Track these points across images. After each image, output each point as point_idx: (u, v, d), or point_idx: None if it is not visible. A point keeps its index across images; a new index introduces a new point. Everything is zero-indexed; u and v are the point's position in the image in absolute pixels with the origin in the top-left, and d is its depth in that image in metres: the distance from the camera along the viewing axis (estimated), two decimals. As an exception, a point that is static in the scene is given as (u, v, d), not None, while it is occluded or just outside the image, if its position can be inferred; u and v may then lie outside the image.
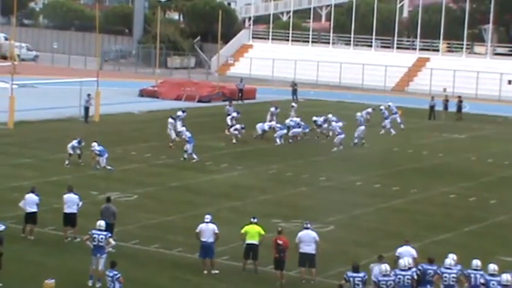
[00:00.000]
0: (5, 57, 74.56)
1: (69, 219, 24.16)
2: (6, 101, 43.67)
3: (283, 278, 21.52)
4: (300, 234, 21.95)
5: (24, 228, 24.28)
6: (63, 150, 37.36)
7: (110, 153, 34.73)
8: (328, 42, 79.94)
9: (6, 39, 79.24)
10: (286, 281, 21.59)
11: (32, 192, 24.55)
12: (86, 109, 46.27)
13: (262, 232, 22.35)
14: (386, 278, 18.67)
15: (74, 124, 45.66)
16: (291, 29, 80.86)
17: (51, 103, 51.47)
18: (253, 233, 22.23)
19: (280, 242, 21.66)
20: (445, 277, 18.93)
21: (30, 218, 24.21)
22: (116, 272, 18.58)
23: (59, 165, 34.36)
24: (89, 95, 46.35)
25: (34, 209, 24.24)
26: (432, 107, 54.00)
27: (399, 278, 18.75)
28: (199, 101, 58.56)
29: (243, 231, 22.42)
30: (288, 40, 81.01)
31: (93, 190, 29.77)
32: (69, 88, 52.37)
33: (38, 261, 22.16)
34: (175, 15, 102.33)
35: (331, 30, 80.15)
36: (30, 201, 24.27)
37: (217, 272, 22.09)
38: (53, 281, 18.61)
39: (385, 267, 18.86)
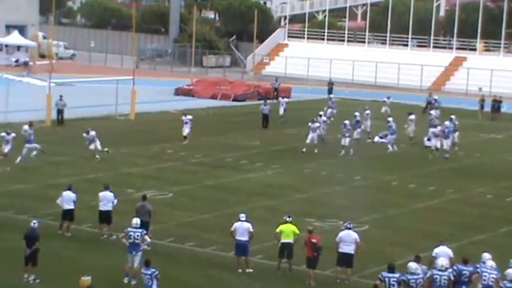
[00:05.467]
0: (43, 56, 75.40)
1: (105, 217, 24.34)
2: (43, 100, 44.10)
3: (313, 277, 21.49)
4: (341, 234, 21.90)
5: (61, 225, 24.52)
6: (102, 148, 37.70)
7: (146, 151, 34.93)
8: (364, 42, 79.62)
9: (44, 38, 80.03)
10: (321, 281, 21.57)
11: (69, 189, 24.77)
12: (59, 111, 44.03)
13: (297, 231, 22.33)
14: (415, 276, 18.61)
15: (110, 122, 46.00)
16: (326, 28, 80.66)
17: (88, 101, 51.89)
18: (288, 232, 22.23)
19: (314, 240, 21.66)
20: (485, 277, 18.79)
21: (67, 215, 24.45)
22: (153, 270, 18.68)
23: (96, 163, 34.64)
24: (61, 96, 44.34)
25: (71, 206, 24.46)
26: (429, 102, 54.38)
27: (436, 278, 18.66)
28: (234, 100, 58.67)
29: (277, 230, 22.42)
30: (323, 39, 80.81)
31: (129, 188, 29.96)
32: (105, 86, 52.77)
33: (74, 258, 22.36)
34: (211, 14, 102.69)
35: (367, 29, 79.79)
36: (67, 199, 24.50)
37: (251, 270, 22.13)
38: (89, 277, 18.74)
39: (415, 265, 18.81)
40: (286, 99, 50.77)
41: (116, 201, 24.60)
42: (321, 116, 42.60)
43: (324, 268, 22.06)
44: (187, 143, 39.51)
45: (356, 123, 42.39)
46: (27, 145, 34.04)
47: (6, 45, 74.16)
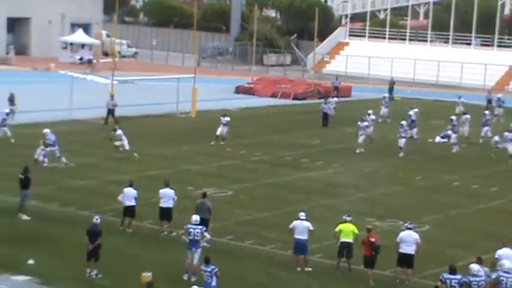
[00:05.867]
0: (106, 54, 76.40)
1: (166, 214, 24.53)
2: (106, 97, 44.66)
3: (372, 276, 21.36)
4: (401, 234, 21.72)
5: (122, 221, 24.81)
6: (161, 145, 38.09)
7: (206, 149, 35.17)
8: (426, 40, 78.76)
9: (108, 36, 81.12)
10: (380, 280, 21.43)
11: (130, 186, 25.03)
12: (110, 111, 43.51)
13: (357, 231, 22.21)
14: (477, 279, 18.33)
15: (171, 120, 46.40)
16: (388, 26, 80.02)
17: (149, 99, 52.43)
18: (347, 231, 22.13)
19: (373, 239, 21.53)
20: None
21: (129, 211, 24.71)
22: (213, 267, 18.74)
23: (157, 160, 34.96)
24: (112, 96, 44.09)
25: (132, 203, 24.71)
26: None
27: (502, 280, 18.36)
28: (294, 98, 58.64)
29: (337, 229, 22.34)
30: (384, 38, 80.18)
31: (189, 185, 30.16)
32: (167, 84, 53.24)
33: (135, 254, 22.60)
34: (272, 13, 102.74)
35: (429, 28, 78.92)
36: (128, 195, 24.75)
37: (310, 269, 22.08)
38: (149, 273, 18.94)
39: (477, 267, 18.53)
40: (335, 99, 50.20)
41: (175, 198, 24.76)
42: (369, 114, 42.20)
43: (383, 268, 21.91)
44: (222, 144, 38.58)
45: (411, 122, 41.97)
46: (50, 148, 32.66)
47: (71, 44, 75.36)
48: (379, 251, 21.44)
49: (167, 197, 24.58)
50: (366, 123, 39.77)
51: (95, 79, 52.34)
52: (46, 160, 32.23)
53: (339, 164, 36.15)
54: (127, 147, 35.81)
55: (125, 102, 46.86)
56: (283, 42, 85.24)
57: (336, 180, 33.16)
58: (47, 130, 33.26)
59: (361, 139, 39.09)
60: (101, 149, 36.31)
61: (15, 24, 76.82)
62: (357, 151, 38.64)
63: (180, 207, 25.00)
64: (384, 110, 48.99)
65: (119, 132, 36.17)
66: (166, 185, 24.88)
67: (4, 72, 64.76)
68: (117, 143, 35.91)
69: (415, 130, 41.98)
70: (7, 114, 37.99)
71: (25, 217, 25.25)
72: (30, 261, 21.28)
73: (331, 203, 29.41)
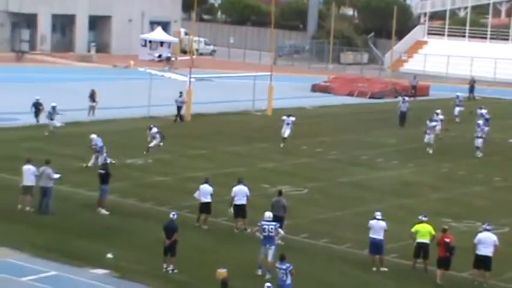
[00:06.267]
0: (184, 52, 77.17)
1: (240, 211, 24.68)
2: (184, 94, 45.08)
3: (441, 276, 21.08)
4: (479, 235, 21.43)
5: (198, 217, 25.05)
6: (237, 143, 38.31)
7: (277, 146, 35.25)
8: (507, 39, 77.21)
9: (186, 34, 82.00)
10: (458, 282, 21.15)
11: (206, 182, 25.26)
12: (179, 108, 43.69)
13: (433, 232, 21.97)
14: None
15: (247, 117, 46.62)
16: (468, 25, 78.75)
17: (226, 96, 52.79)
18: (424, 232, 21.91)
19: (448, 240, 21.26)
20: None
21: (205, 208, 24.94)
22: (288, 265, 18.78)
23: (234, 157, 35.18)
24: (181, 93, 43.89)
25: (208, 199, 24.94)
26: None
27: None
28: (371, 97, 58.24)
29: (413, 229, 22.15)
30: (464, 36, 78.93)
31: (264, 183, 30.27)
32: (243, 82, 53.51)
33: (210, 250, 22.81)
34: (349, 11, 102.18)
35: (511, 26, 77.30)
36: (204, 192, 24.99)
37: (386, 269, 21.94)
38: (225, 270, 19.09)
39: None
40: (406, 98, 49.18)
41: (249, 195, 24.83)
42: (437, 114, 41.49)
43: (460, 270, 21.61)
44: (284, 146, 37.42)
45: (485, 121, 41.24)
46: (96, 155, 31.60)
47: (150, 41, 76.39)
48: (454, 252, 21.16)
49: (241, 194, 24.72)
50: (434, 123, 39.12)
51: (172, 76, 52.82)
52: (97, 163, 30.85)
53: (414, 163, 35.77)
54: (159, 143, 34.43)
55: (201, 99, 47.34)
56: (361, 40, 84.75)
57: (412, 180, 32.83)
58: (93, 135, 32.05)
59: (427, 138, 38.42)
60: (178, 146, 36.69)
61: (97, 23, 78.32)
62: (428, 150, 37.98)
63: (255, 205, 25.07)
64: (456, 109, 48.19)
65: (154, 130, 34.82)
66: (240, 182, 25.02)
67: (85, 69, 66.15)
68: (151, 144, 34.37)
69: (486, 129, 41.30)
70: (53, 108, 37.99)
71: (104, 212, 25.76)
72: (109, 255, 21.70)
73: (407, 202, 29.14)
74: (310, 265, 21.87)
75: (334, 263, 22.37)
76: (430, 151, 38.00)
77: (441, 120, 41.28)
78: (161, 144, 34.75)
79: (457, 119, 47.53)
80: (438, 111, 42.18)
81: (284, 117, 38.28)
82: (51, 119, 37.85)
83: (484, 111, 43.32)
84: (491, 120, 42.28)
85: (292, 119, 38.21)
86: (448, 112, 45.96)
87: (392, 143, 40.78)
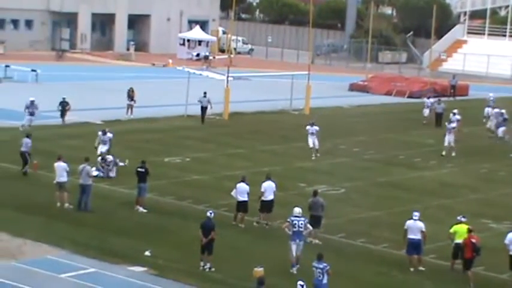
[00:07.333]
0: (222, 51, 77.40)
1: (266, 206, 24.87)
2: (222, 93, 45.29)
3: (472, 279, 20.96)
4: (510, 235, 21.26)
5: (235, 216, 25.14)
6: (274, 142, 38.33)
7: (320, 146, 35.16)
8: (548, 38, 76.36)
9: (224, 33, 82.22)
10: (496, 283, 20.97)
11: (243, 181, 25.35)
12: (202, 108, 42.66)
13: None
14: None
15: (285, 116, 46.62)
16: (509, 24, 77.90)
17: (264, 95, 52.83)
18: (462, 232, 21.76)
19: (474, 240, 21.09)
20: None
21: (241, 206, 25.03)
22: (325, 264, 18.78)
23: (271, 156, 35.19)
24: (205, 93, 42.73)
25: (245, 198, 25.03)
26: None
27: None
28: (409, 97, 57.89)
29: (451, 230, 22.02)
30: (505, 36, 78.11)
31: (300, 182, 30.27)
32: (281, 81, 53.49)
33: (247, 249, 22.88)
34: (388, 10, 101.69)
35: (552, 25, 76.45)
36: (241, 191, 25.09)
37: (423, 269, 21.84)
38: (261, 268, 19.11)
39: None
40: (431, 100, 48.73)
41: (275, 190, 24.94)
42: (454, 114, 40.89)
43: (500, 271, 21.42)
44: (319, 156, 34.96)
45: (503, 121, 40.80)
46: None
47: (188, 40, 76.73)
48: (479, 253, 20.98)
49: (270, 190, 24.91)
50: (452, 125, 38.24)
51: (210, 75, 53.00)
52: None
53: (453, 164, 35.52)
54: (106, 151, 30.72)
55: (239, 98, 47.44)
56: (399, 39, 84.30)
57: (450, 180, 32.61)
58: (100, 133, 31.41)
59: (447, 142, 37.30)
60: (215, 145, 36.84)
61: (136, 21, 78.88)
62: (451, 153, 37.13)
63: (290, 203, 25.00)
64: (487, 110, 47.63)
65: (109, 135, 31.55)
66: (268, 178, 25.24)
67: (124, 67, 66.66)
68: (98, 150, 30.76)
69: (501, 129, 41.05)
70: (31, 102, 37.26)
71: (142, 209, 25.95)
72: (147, 253, 21.87)
73: (445, 203, 28.94)
74: (347, 265, 21.84)
75: (370, 263, 22.31)
76: (453, 153, 37.15)
77: (457, 120, 40.45)
78: (109, 150, 30.95)
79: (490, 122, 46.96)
80: (455, 111, 41.76)
81: (308, 127, 35.53)
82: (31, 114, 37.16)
83: (503, 110, 42.95)
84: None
85: (316, 128, 35.26)
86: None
87: (430, 143, 40.50)
